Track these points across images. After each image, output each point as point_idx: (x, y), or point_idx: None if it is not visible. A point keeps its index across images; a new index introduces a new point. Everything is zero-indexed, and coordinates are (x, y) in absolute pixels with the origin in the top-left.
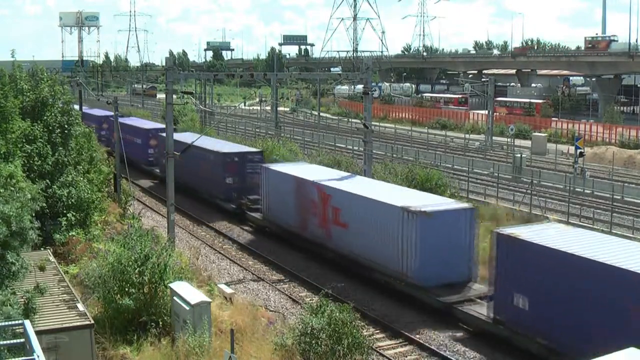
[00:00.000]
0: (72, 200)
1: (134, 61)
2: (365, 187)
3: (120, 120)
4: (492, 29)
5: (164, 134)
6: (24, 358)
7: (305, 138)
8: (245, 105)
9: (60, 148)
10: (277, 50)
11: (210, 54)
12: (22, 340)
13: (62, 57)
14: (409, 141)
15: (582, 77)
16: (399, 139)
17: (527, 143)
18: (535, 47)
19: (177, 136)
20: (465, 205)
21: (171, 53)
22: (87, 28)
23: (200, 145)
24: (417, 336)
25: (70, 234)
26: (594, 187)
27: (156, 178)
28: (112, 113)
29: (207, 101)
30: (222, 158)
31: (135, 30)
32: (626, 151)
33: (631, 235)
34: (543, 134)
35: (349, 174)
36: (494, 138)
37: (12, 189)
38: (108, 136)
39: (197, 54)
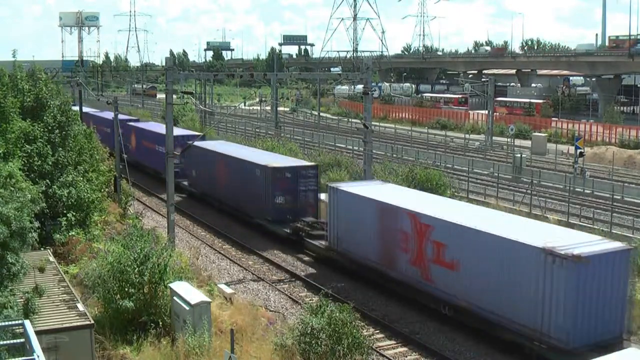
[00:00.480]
0: (72, 200)
1: (134, 61)
2: (479, 217)
3: (138, 125)
4: (492, 29)
5: (195, 143)
6: (24, 358)
7: (305, 138)
8: (245, 105)
9: (60, 148)
10: (277, 50)
11: (210, 54)
12: (22, 340)
13: (62, 57)
14: (409, 141)
15: (582, 77)
16: (399, 139)
17: (527, 143)
18: (536, 47)
19: (206, 144)
20: (621, 245)
21: (171, 53)
22: (87, 28)
23: (242, 157)
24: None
25: (70, 234)
26: (594, 187)
27: (183, 191)
28: (127, 117)
29: (207, 101)
30: (272, 173)
31: (135, 30)
32: (626, 151)
33: (631, 235)
34: (543, 134)
35: (445, 198)
36: (494, 138)
37: (12, 189)
38: (124, 142)
39: (197, 54)
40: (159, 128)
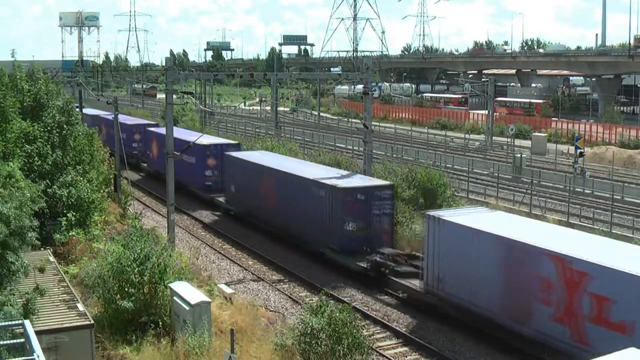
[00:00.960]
0: (72, 200)
1: (134, 61)
2: None
3: (161, 131)
4: (492, 29)
5: (232, 153)
6: (24, 358)
7: (305, 138)
8: (245, 105)
9: (57, 148)
10: (277, 50)
11: (210, 54)
12: (22, 340)
13: (62, 57)
14: (409, 141)
15: (582, 77)
16: (399, 139)
17: (527, 143)
18: (536, 47)
19: (249, 155)
20: None
21: (171, 53)
22: (87, 28)
23: (300, 174)
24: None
25: (70, 234)
26: (594, 187)
27: (217, 209)
28: (146, 122)
29: (207, 101)
30: (341, 195)
31: (135, 30)
32: (626, 151)
33: (631, 235)
34: (543, 134)
35: (591, 234)
36: (494, 138)
37: (12, 188)
38: (143, 149)
39: (197, 54)
40: (187, 135)
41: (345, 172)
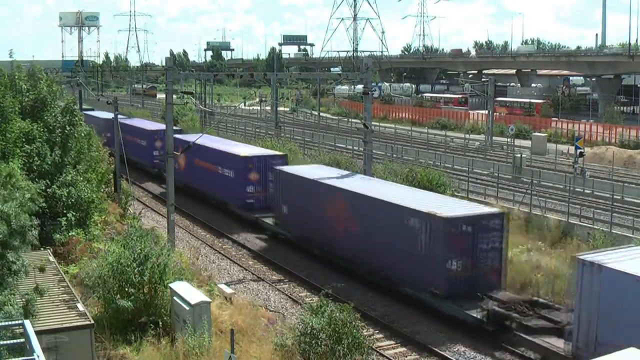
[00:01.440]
0: (72, 200)
1: (134, 61)
2: None
3: (187, 138)
4: (492, 29)
5: (285, 168)
6: (24, 358)
7: (305, 138)
8: (245, 105)
9: (56, 148)
10: (277, 50)
11: (210, 54)
12: (22, 340)
13: (62, 57)
14: (409, 141)
15: (582, 77)
16: (399, 139)
17: (527, 143)
18: (536, 47)
19: (307, 171)
20: None
21: (171, 53)
22: (87, 28)
23: (382, 197)
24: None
25: (70, 234)
26: (594, 187)
27: (263, 231)
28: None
29: (207, 101)
30: (443, 226)
31: (135, 30)
32: (626, 151)
33: (631, 236)
34: (543, 134)
35: None
36: (494, 138)
37: (12, 188)
38: None
39: (197, 54)
40: (219, 144)
41: (441, 197)
